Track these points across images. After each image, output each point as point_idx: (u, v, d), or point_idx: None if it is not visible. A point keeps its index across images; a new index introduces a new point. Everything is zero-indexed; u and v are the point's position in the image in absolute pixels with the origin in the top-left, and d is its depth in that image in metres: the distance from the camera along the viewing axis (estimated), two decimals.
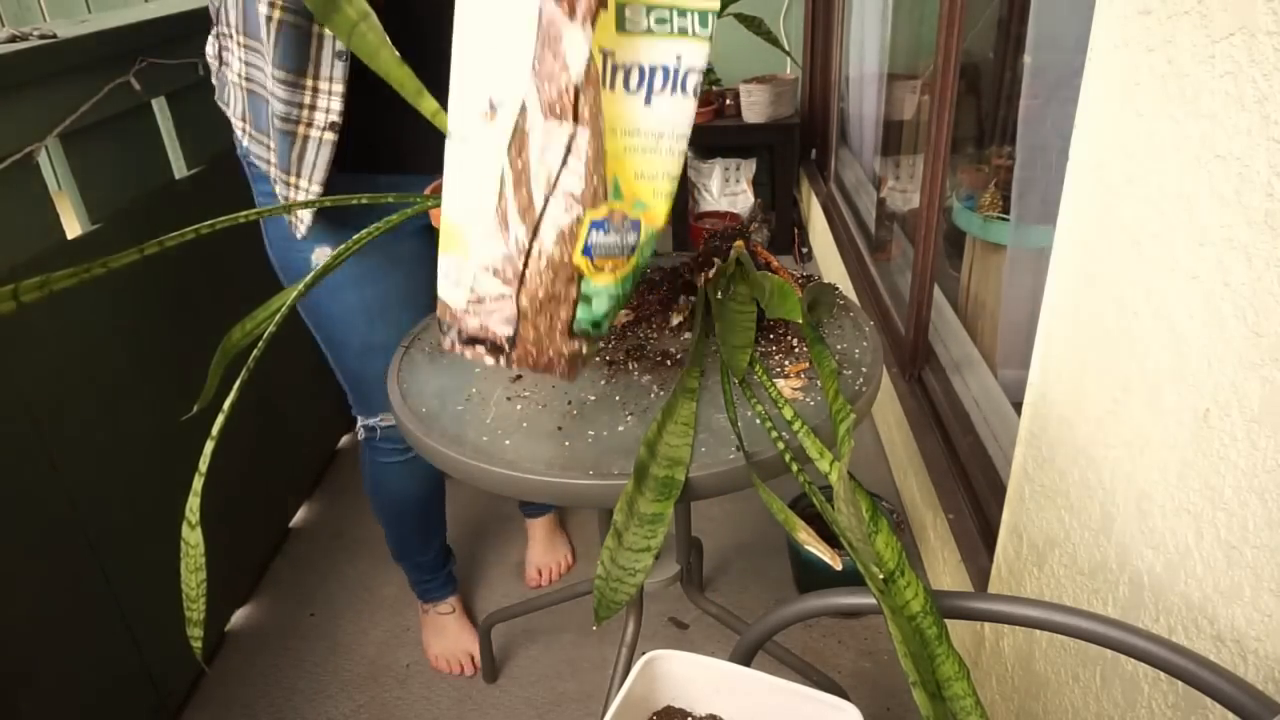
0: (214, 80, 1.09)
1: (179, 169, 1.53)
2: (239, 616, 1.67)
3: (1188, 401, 0.70)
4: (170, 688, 1.43)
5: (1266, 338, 0.60)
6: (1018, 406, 1.07)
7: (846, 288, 2.36)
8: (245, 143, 1.08)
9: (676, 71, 0.65)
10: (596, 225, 0.65)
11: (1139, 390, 0.77)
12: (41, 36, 1.19)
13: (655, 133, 0.66)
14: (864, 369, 0.91)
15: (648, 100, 0.65)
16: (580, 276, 0.66)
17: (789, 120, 3.02)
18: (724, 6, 0.96)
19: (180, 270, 1.48)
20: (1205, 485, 0.68)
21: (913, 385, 1.79)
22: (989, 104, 1.79)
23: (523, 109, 0.61)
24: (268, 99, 1.01)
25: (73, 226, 1.26)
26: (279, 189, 1.03)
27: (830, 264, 2.77)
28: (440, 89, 0.86)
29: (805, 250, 3.20)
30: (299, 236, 1.07)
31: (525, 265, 0.64)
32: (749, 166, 3.11)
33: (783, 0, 3.10)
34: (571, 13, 0.58)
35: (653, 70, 0.64)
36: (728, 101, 3.04)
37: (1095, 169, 0.83)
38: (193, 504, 0.72)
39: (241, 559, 1.70)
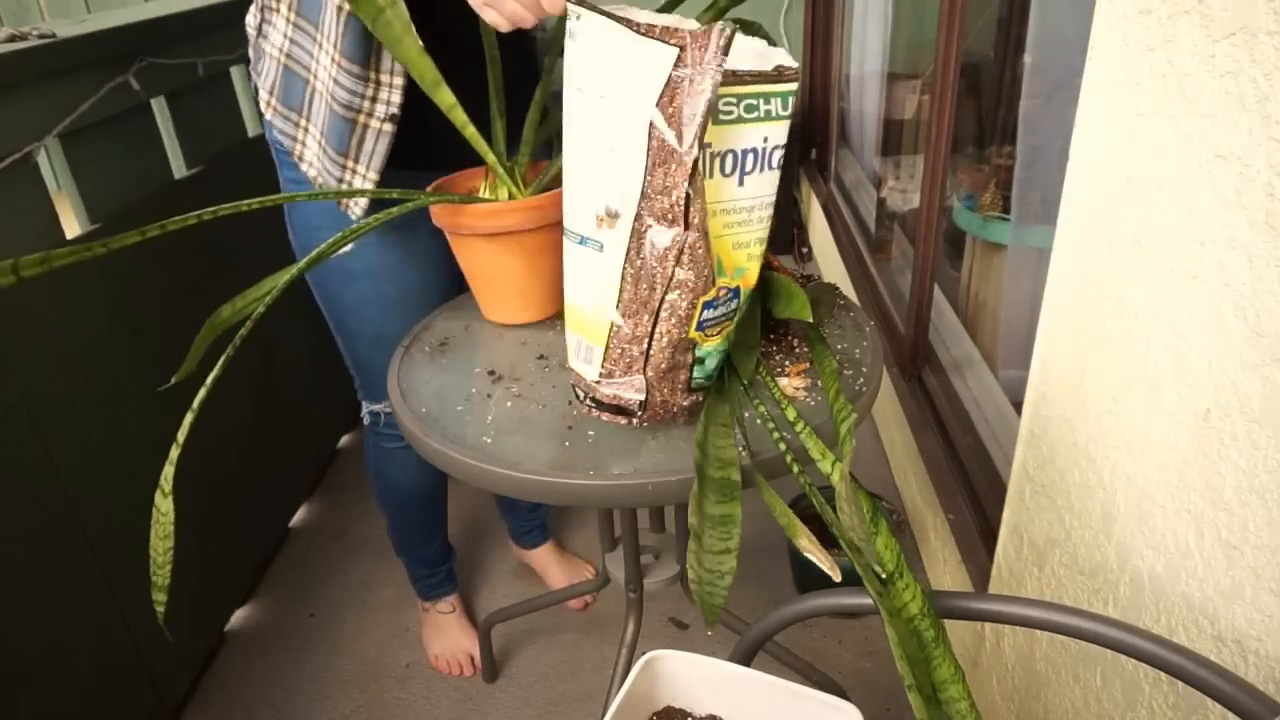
0: (250, 51, 1.10)
1: (179, 169, 1.53)
2: (239, 616, 1.67)
3: (1188, 401, 0.70)
4: (169, 688, 1.43)
5: (1267, 337, 0.60)
6: (1018, 406, 1.07)
7: (846, 288, 2.36)
8: (268, 115, 1.09)
9: (764, 151, 0.72)
10: (708, 305, 0.73)
11: (1139, 390, 0.77)
12: (41, 36, 1.19)
13: (748, 207, 0.74)
14: (864, 369, 0.91)
15: (741, 181, 0.72)
16: (694, 345, 0.75)
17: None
18: (725, 10, 0.96)
19: (182, 267, 1.48)
20: (1206, 485, 0.68)
21: (913, 385, 1.79)
22: (989, 104, 1.79)
23: (638, 216, 0.69)
24: (307, 79, 1.02)
25: (72, 227, 1.26)
26: (331, 170, 1.04)
27: (830, 264, 2.77)
28: (457, 81, 0.87)
29: (805, 250, 3.20)
30: (354, 217, 1.08)
31: (650, 346, 0.74)
32: None
33: (783, 0, 3.10)
34: (680, 140, 0.65)
35: (745, 153, 0.71)
36: None
37: (1095, 169, 0.83)
38: (167, 472, 0.74)
39: (241, 559, 1.70)
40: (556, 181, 1.02)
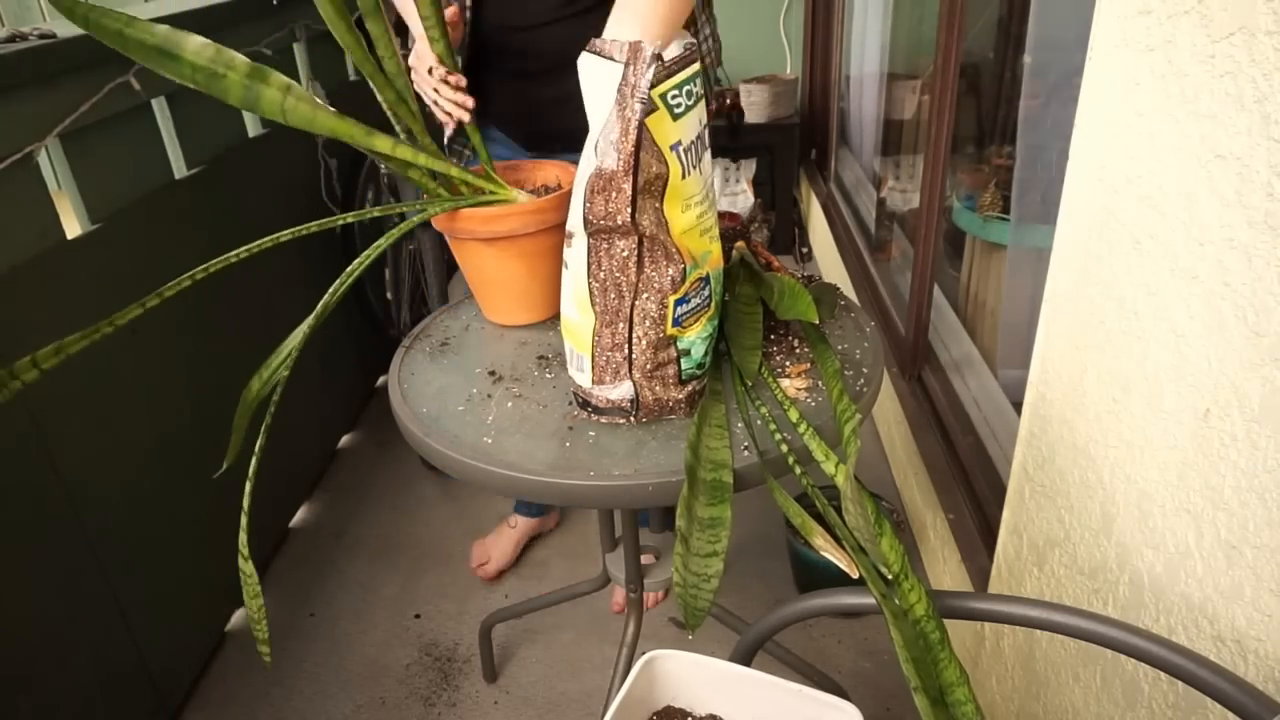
0: None
1: (179, 169, 1.53)
2: (239, 616, 1.67)
3: (1188, 401, 0.70)
4: (169, 687, 1.43)
5: (1267, 337, 0.60)
6: (1018, 406, 1.07)
7: (846, 288, 2.36)
8: None
9: (702, 133, 0.76)
10: (679, 302, 0.76)
11: (1139, 390, 0.77)
12: (41, 36, 1.19)
13: (705, 188, 0.77)
14: (865, 369, 0.91)
15: (698, 167, 0.75)
16: (675, 339, 0.78)
17: (789, 120, 3.02)
18: (709, 6, 0.98)
19: (182, 268, 1.47)
20: (1205, 485, 0.68)
21: (913, 385, 1.79)
22: (989, 104, 1.79)
23: (594, 234, 0.74)
24: None
25: (73, 226, 1.26)
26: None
27: (830, 264, 2.77)
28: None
29: (805, 250, 3.20)
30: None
31: (630, 350, 0.77)
32: (749, 166, 3.11)
33: (783, 0, 3.10)
34: (617, 158, 0.69)
35: (694, 140, 0.74)
36: (728, 101, 3.03)
37: (1095, 169, 0.83)
38: (243, 539, 0.81)
39: None
40: (553, 185, 1.02)
